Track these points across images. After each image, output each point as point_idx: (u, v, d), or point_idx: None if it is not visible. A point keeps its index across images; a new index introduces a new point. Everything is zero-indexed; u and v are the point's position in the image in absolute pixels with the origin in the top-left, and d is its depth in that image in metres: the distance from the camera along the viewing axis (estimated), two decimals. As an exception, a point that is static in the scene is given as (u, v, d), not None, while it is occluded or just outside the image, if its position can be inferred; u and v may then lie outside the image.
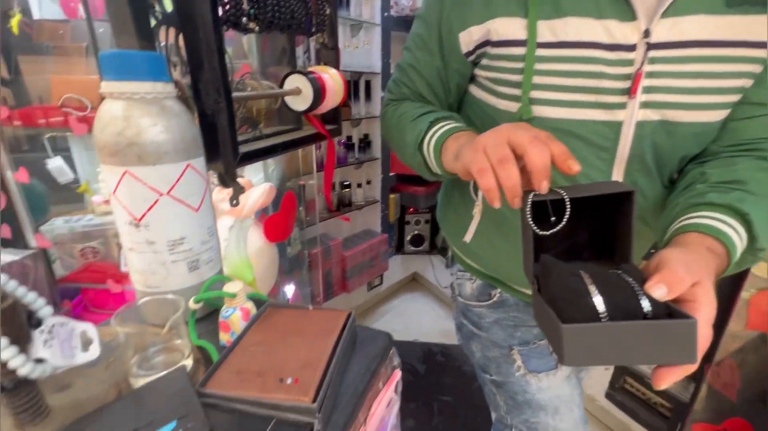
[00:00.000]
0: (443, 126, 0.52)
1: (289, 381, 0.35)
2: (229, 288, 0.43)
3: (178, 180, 0.43)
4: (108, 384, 0.38)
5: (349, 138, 1.86)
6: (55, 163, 1.07)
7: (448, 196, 0.70)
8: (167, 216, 0.44)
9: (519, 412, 0.68)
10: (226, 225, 0.74)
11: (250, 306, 0.45)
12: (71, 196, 1.15)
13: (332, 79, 0.78)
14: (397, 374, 0.48)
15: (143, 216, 0.43)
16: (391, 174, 2.00)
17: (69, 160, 1.13)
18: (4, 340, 0.28)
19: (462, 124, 0.52)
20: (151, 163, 0.41)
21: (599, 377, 1.44)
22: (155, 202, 0.43)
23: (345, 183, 1.86)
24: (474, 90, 0.59)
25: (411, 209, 2.12)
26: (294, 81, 0.74)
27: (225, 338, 0.44)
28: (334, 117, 0.88)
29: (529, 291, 0.63)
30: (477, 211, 0.60)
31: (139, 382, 0.38)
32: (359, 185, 1.94)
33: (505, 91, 0.52)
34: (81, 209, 1.17)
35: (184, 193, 0.44)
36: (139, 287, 0.46)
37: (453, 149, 0.47)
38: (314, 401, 0.32)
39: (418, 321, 2.05)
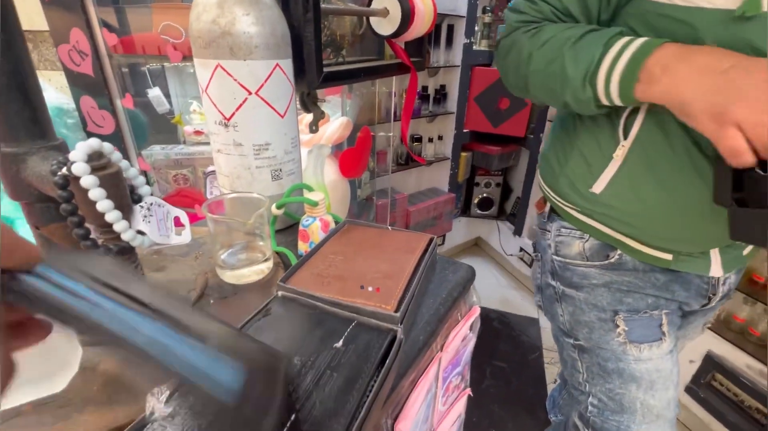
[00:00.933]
0: (629, 43, 0.41)
1: (370, 289, 0.33)
2: (311, 196, 0.42)
3: (266, 79, 0.42)
4: (197, 271, 0.39)
5: (425, 88, 1.77)
6: (154, 93, 1.15)
7: (567, 140, 0.59)
8: (254, 118, 0.43)
9: (604, 381, 0.62)
10: (304, 153, 0.73)
11: (329, 218, 0.43)
12: (166, 126, 1.24)
13: (423, 2, 0.70)
14: (476, 311, 0.44)
15: (232, 115, 0.42)
16: (465, 130, 1.88)
17: (165, 92, 1.21)
18: (109, 202, 0.28)
19: (647, 38, 0.41)
20: (242, 57, 0.39)
21: (681, 369, 1.29)
22: (244, 101, 0.41)
23: (416, 136, 1.80)
24: None
25: (482, 170, 2.00)
26: (382, 1, 0.68)
27: (303, 247, 0.43)
28: (418, 49, 0.82)
29: (660, 254, 0.55)
30: (620, 154, 0.50)
31: (225, 274, 0.38)
32: (430, 140, 1.86)
33: None
34: (174, 139, 1.27)
35: (272, 95, 0.43)
36: (225, 191, 0.47)
37: (667, 79, 0.38)
38: (397, 311, 0.30)
39: (478, 287, 1.99)
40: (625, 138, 0.49)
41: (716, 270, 0.55)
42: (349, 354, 0.26)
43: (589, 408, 0.65)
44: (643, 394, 0.59)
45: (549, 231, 0.66)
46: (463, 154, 1.94)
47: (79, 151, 0.27)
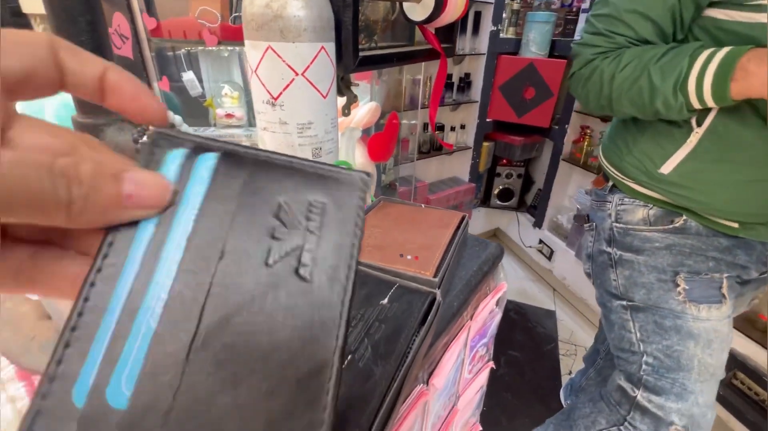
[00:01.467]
0: (715, 52, 0.48)
1: (409, 257, 0.35)
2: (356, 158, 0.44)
3: (312, 61, 0.44)
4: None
5: (449, 76, 1.76)
6: (189, 76, 1.19)
7: (638, 126, 0.65)
8: (299, 98, 0.45)
9: (661, 338, 0.65)
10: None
11: (369, 195, 0.46)
12: (197, 110, 1.29)
13: (456, -14, 0.71)
14: (503, 287, 0.47)
15: (279, 95, 0.45)
16: (488, 120, 1.87)
17: (197, 77, 1.25)
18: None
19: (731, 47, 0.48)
20: (291, 39, 0.42)
21: (700, 366, 1.28)
22: (291, 81, 0.44)
23: (438, 125, 1.80)
24: (714, 12, 0.51)
25: (504, 160, 1.99)
26: (417, -14, 0.69)
27: (341, 221, 0.46)
28: (448, 35, 0.82)
29: (726, 222, 0.59)
30: (693, 140, 0.56)
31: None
32: (452, 128, 1.86)
33: None
34: (205, 122, 1.32)
35: (316, 76, 0.45)
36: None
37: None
38: (435, 276, 0.33)
39: (494, 276, 2.01)
40: (699, 125, 0.55)
41: None
42: (394, 311, 0.29)
43: (643, 366, 0.67)
44: (701, 352, 0.62)
45: (609, 202, 0.70)
46: (486, 143, 1.93)
47: (157, 121, 0.31)
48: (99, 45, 0.34)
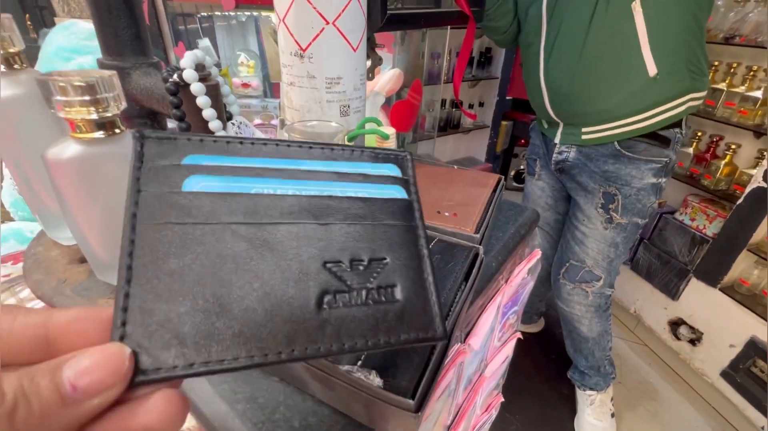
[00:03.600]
0: None
1: (446, 214, 0.34)
2: (383, 130, 0.42)
3: (344, 9, 0.41)
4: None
5: (470, 51, 1.70)
6: (205, 43, 1.17)
7: None
8: (329, 50, 0.43)
9: None
10: (356, 102, 0.73)
11: (397, 154, 0.44)
12: (214, 80, 1.26)
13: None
14: (537, 254, 0.45)
15: (308, 46, 0.43)
16: (508, 98, 1.82)
17: (213, 45, 1.22)
18: (213, 111, 0.30)
19: None
20: (323, -17, 0.39)
21: (718, 353, 1.25)
22: (321, 31, 0.42)
23: (456, 102, 1.75)
24: None
25: (522, 140, 1.94)
26: (449, -59, 0.65)
27: (370, 181, 0.44)
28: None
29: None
30: None
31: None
32: (471, 106, 1.81)
33: None
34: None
35: (347, 26, 0.43)
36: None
37: None
38: (476, 232, 0.31)
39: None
40: None
41: None
42: (437, 263, 0.28)
43: None
44: None
45: None
46: (504, 122, 1.88)
47: (188, 59, 0.29)
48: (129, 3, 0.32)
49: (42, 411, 0.10)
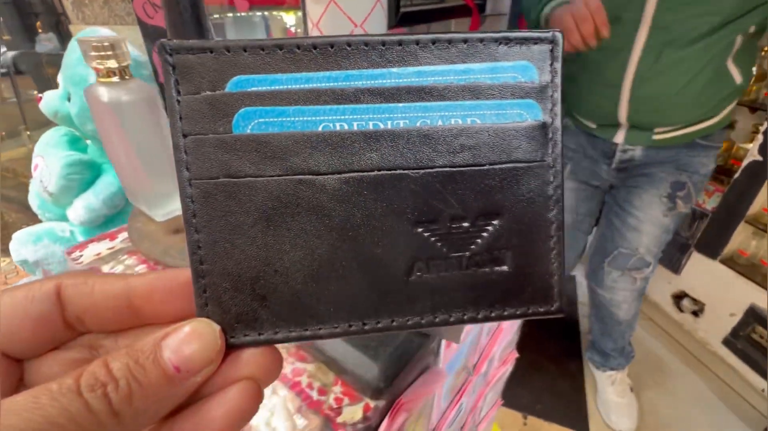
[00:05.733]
0: None
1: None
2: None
3: (370, 12, 0.47)
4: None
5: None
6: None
7: None
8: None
9: None
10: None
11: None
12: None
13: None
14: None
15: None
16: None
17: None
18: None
19: None
20: (353, -9, 0.45)
21: (720, 323, 1.31)
22: (350, 33, 0.48)
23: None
24: None
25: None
26: (454, -60, 0.70)
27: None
28: (480, -9, 0.84)
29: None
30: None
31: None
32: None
33: None
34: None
35: (372, 29, 0.49)
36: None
37: None
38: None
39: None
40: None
41: None
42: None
43: None
44: None
45: None
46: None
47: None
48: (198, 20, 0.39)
49: (153, 393, 0.11)
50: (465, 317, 0.14)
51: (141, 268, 0.36)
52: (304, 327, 0.13)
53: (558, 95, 0.14)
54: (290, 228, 0.13)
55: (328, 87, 0.13)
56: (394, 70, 0.13)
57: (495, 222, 0.14)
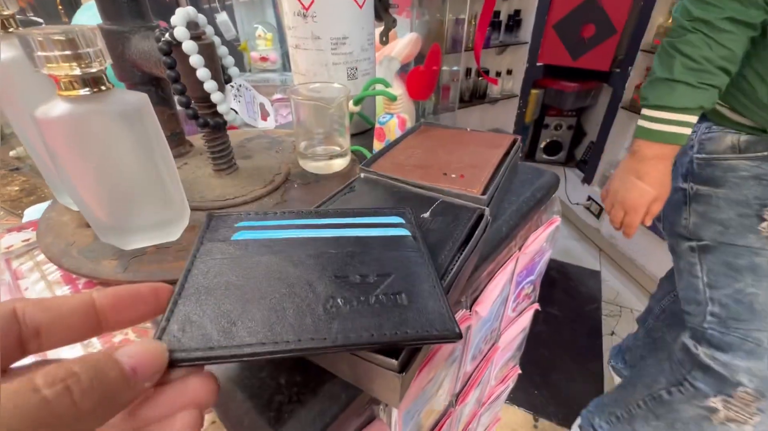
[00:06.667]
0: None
1: (453, 175, 0.32)
2: (390, 91, 0.40)
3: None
4: (280, 161, 0.40)
5: (496, 14, 1.60)
6: (222, 17, 1.16)
7: (756, 45, 0.58)
8: (333, 7, 0.41)
9: (732, 280, 0.59)
10: (371, 70, 0.70)
11: (406, 117, 0.42)
12: (233, 54, 1.26)
13: None
14: (556, 221, 0.42)
15: (311, 3, 0.41)
16: (539, 64, 1.70)
17: (231, 20, 1.21)
18: (207, 71, 0.29)
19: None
20: (324, -68, 0.37)
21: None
22: (324, -13, 0.40)
23: (483, 69, 1.67)
24: None
25: (553, 110, 1.83)
26: None
27: (378, 146, 0.42)
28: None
29: None
30: None
31: (307, 164, 0.39)
32: (498, 74, 1.72)
33: None
34: (240, 67, 1.29)
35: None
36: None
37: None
38: (483, 194, 0.29)
39: (535, 234, 1.92)
40: None
41: None
42: (438, 224, 0.26)
43: (708, 317, 0.61)
44: None
45: (694, 132, 0.64)
46: (534, 91, 1.78)
47: (179, 16, 0.28)
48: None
49: (111, 390, 0.12)
50: (374, 337, 0.16)
51: (49, 267, 0.30)
52: (239, 345, 0.15)
53: (414, 226, 0.24)
54: (242, 285, 0.18)
55: (288, 223, 0.23)
56: (330, 218, 0.24)
57: (390, 276, 0.20)
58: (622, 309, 1.53)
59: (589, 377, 1.24)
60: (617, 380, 1.15)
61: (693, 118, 0.53)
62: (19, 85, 0.25)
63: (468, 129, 0.42)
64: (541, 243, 0.41)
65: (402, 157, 0.35)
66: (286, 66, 1.22)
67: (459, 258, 0.24)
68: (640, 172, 0.57)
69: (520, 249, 0.37)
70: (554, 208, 0.41)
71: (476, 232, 0.26)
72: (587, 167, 1.79)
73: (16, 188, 0.58)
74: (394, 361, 0.17)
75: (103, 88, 0.22)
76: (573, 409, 1.14)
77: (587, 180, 1.79)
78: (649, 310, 1.02)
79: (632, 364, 1.08)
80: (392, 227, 0.24)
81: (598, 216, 1.75)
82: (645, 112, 0.55)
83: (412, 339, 0.16)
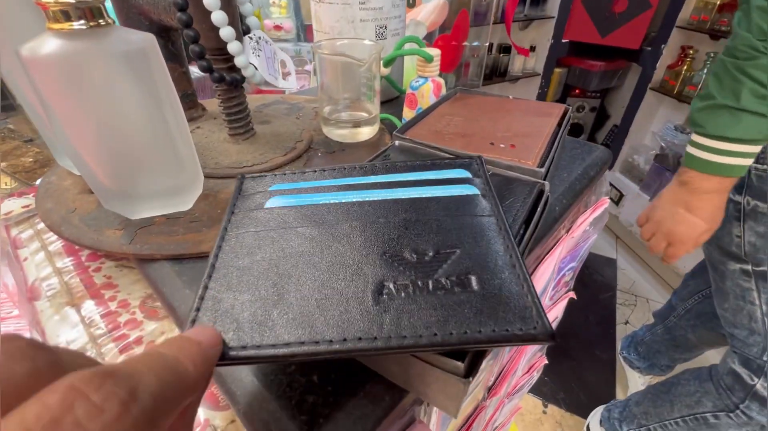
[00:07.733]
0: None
1: (502, 145, 0.28)
2: (427, 50, 0.36)
3: None
4: (301, 128, 0.36)
5: (523, -15, 1.50)
6: (234, -18, 1.10)
7: None
8: (364, -47, 0.36)
9: None
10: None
11: (442, 81, 0.37)
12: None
13: None
14: (604, 203, 0.38)
15: (339, -52, 0.36)
16: (564, 41, 1.61)
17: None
18: (223, 14, 0.25)
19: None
20: None
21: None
22: (354, -73, 0.35)
23: (504, 46, 1.58)
24: None
25: (577, 90, 1.74)
26: None
27: (409, 115, 0.38)
28: None
29: None
30: None
31: (331, 131, 0.35)
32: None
33: None
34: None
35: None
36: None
37: None
38: (540, 167, 0.25)
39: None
40: None
41: None
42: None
43: None
44: None
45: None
46: (557, 69, 1.69)
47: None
48: None
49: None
50: (437, 337, 0.13)
51: (50, 236, 0.27)
52: (273, 344, 0.13)
53: (486, 182, 0.20)
54: (279, 264, 0.16)
55: (327, 185, 0.21)
56: (378, 175, 0.21)
57: (454, 252, 0.16)
58: (638, 299, 1.49)
59: (600, 366, 1.22)
60: (628, 370, 1.12)
61: (757, 148, 0.45)
62: (5, 19, 0.22)
63: (510, 96, 0.37)
64: (587, 227, 0.37)
65: (439, 125, 0.31)
66: (300, 36, 1.16)
67: (523, 239, 0.20)
68: (691, 205, 0.50)
69: (567, 232, 0.33)
70: (603, 188, 0.37)
71: (537, 210, 0.22)
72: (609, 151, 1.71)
73: (30, 159, 0.55)
74: (459, 364, 0.14)
75: (101, 22, 0.18)
76: (583, 397, 1.13)
77: (609, 165, 1.72)
78: (672, 307, 0.98)
79: (646, 357, 1.06)
80: (456, 184, 0.19)
81: (617, 202, 1.69)
82: (699, 140, 0.48)
83: (488, 341, 0.13)
